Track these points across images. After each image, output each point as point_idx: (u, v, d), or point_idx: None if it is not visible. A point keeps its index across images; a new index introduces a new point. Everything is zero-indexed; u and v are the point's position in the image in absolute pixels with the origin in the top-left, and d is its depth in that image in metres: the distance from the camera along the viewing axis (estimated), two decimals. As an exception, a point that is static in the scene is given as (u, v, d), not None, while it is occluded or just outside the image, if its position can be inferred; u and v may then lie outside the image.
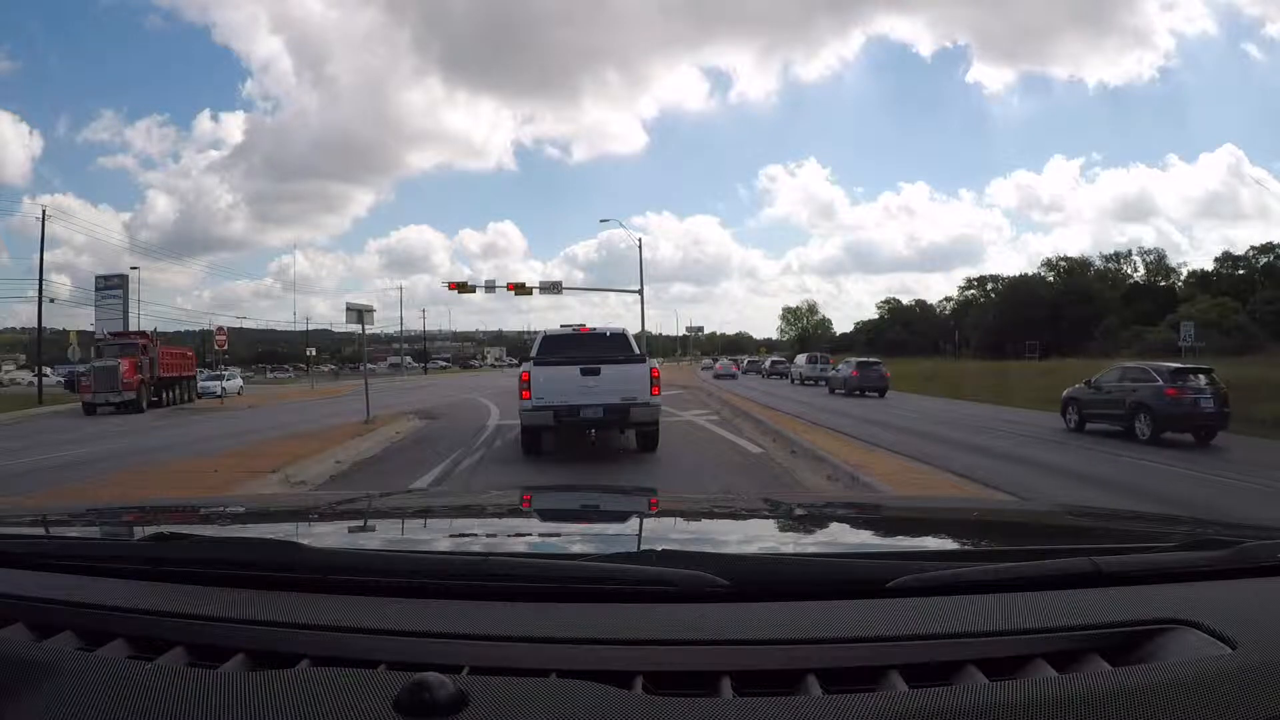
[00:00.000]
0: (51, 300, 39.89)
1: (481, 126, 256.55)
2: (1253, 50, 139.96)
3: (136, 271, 49.90)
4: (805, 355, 47.12)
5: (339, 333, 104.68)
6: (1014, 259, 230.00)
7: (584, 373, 11.01)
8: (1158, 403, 14.51)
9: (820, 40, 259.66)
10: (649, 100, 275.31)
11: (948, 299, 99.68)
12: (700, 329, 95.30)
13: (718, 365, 61.51)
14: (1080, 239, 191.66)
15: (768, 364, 57.29)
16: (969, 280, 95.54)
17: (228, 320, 67.06)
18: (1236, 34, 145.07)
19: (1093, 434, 15.87)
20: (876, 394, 29.54)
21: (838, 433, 14.60)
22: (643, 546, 1.36)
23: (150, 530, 1.33)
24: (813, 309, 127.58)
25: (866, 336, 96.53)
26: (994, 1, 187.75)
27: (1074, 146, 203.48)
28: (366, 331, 19.32)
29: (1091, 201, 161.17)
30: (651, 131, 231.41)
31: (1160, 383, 14.82)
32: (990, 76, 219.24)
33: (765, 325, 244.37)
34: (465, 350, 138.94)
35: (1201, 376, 15.09)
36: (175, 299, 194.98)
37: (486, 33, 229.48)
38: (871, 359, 34.29)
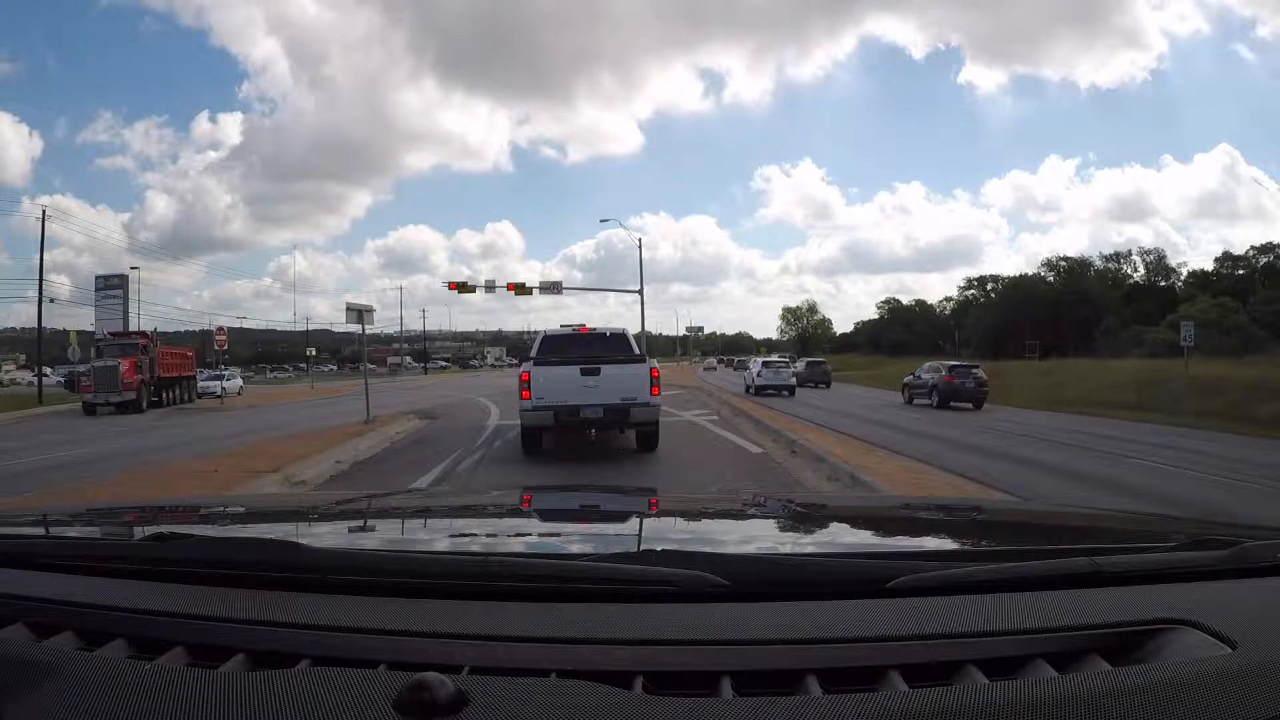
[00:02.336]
0: (51, 300, 39.90)
1: (478, 127, 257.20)
2: (1245, 51, 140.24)
3: (136, 271, 49.95)
4: (776, 355, 66.52)
5: (339, 333, 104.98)
6: (1012, 259, 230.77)
7: (584, 373, 11.00)
8: (942, 385, 24.76)
9: (813, 41, 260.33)
10: (644, 101, 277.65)
11: (948, 299, 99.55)
12: (700, 329, 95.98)
13: (705, 363, 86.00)
14: (1077, 239, 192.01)
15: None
16: (969, 280, 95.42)
17: (228, 320, 67.04)
18: (1228, 35, 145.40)
19: (918, 405, 25.57)
20: (824, 385, 39.75)
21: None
22: (643, 546, 1.36)
23: (150, 530, 1.33)
24: (813, 309, 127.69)
25: (867, 336, 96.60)
26: (985, 3, 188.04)
27: (1069, 147, 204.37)
28: (366, 331, 19.34)
29: (1087, 202, 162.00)
30: (647, 132, 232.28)
31: (943, 373, 25.19)
32: (983, 77, 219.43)
33: (766, 325, 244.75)
34: (465, 350, 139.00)
35: (971, 369, 25.65)
36: (175, 299, 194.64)
37: (481, 34, 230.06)
38: (818, 359, 48.73)
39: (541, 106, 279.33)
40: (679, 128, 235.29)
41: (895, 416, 21.66)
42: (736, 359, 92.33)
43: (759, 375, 32.44)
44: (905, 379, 27.96)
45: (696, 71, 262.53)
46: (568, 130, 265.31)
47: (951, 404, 24.34)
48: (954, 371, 25.07)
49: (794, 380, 32.86)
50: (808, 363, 43.78)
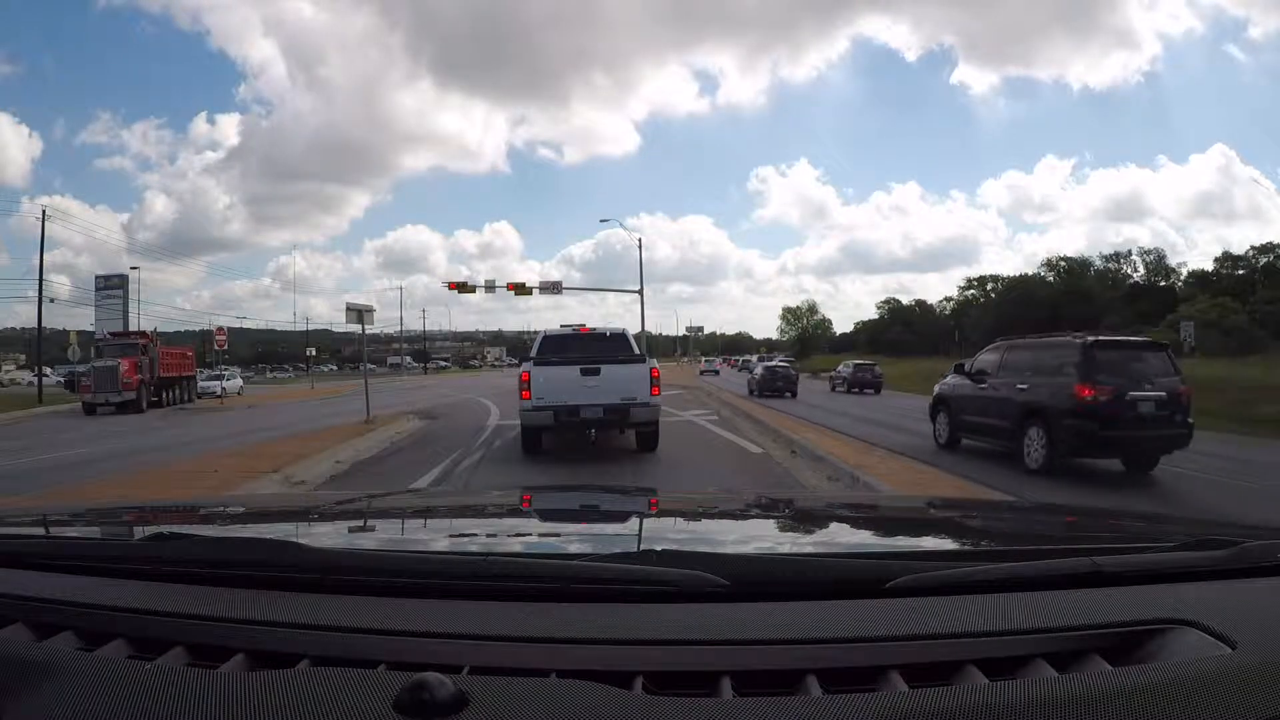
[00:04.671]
0: (51, 300, 39.95)
1: (475, 128, 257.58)
2: (1237, 52, 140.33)
3: (136, 272, 50.11)
4: (757, 356, 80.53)
5: (339, 333, 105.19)
6: (1010, 259, 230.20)
7: (584, 373, 10.99)
8: (850, 376, 34.63)
9: (806, 42, 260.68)
10: (639, 102, 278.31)
11: (948, 299, 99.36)
12: (700, 329, 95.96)
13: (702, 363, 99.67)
14: (1075, 239, 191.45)
15: (740, 362, 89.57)
16: (969, 280, 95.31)
17: (227, 320, 67.23)
18: (1221, 35, 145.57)
19: (838, 392, 33.63)
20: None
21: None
22: (642, 546, 1.36)
23: (150, 530, 1.33)
24: (813, 309, 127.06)
25: (867, 337, 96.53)
26: (978, 4, 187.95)
27: (1064, 148, 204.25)
28: (366, 331, 19.33)
29: (1084, 202, 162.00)
30: (643, 133, 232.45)
31: (851, 368, 35.03)
32: (976, 78, 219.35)
33: (766, 325, 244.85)
34: (465, 350, 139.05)
35: (872, 366, 35.33)
36: (175, 299, 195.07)
37: (478, 36, 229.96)
38: (789, 359, 60.70)
39: (538, 107, 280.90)
40: (675, 128, 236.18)
41: (811, 397, 28.96)
42: (724, 359, 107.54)
43: (700, 367, 66.40)
44: (830, 373, 38.99)
45: (691, 72, 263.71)
46: (564, 131, 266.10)
47: (864, 390, 33.18)
48: (858, 368, 35.95)
49: (719, 370, 66.38)
50: (782, 360, 60.10)
